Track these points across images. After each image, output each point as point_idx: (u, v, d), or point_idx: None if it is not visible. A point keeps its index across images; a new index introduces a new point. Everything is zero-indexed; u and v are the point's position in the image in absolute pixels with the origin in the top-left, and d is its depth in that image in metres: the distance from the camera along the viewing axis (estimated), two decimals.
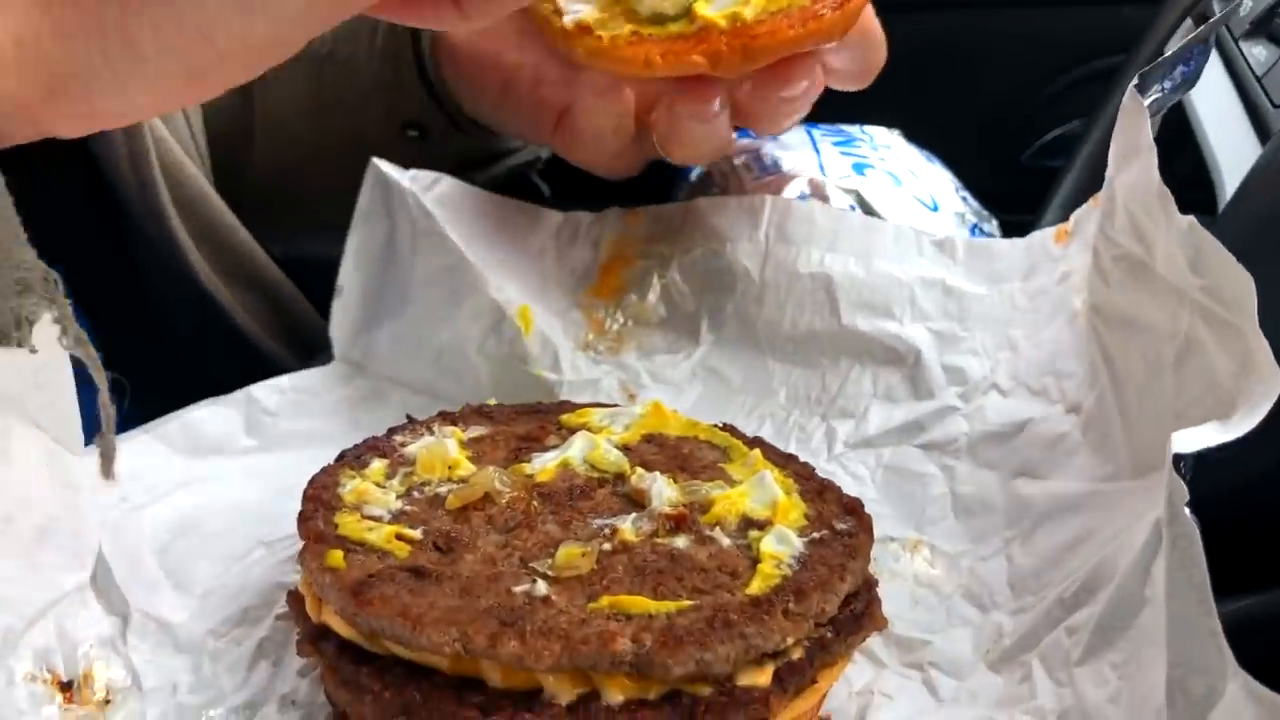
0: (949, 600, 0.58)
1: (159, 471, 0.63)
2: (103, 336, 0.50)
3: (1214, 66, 0.81)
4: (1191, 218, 0.51)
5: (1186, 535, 0.43)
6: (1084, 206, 0.67)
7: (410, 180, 0.74)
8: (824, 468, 0.63)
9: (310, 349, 0.79)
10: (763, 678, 0.45)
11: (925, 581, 0.59)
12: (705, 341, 0.74)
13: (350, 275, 0.76)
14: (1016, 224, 0.80)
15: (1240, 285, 0.47)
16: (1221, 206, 0.71)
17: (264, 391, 0.71)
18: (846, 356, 0.70)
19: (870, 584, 0.52)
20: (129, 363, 0.51)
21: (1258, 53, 0.79)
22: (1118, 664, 0.49)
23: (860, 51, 0.69)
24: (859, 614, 0.50)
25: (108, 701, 0.49)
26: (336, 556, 0.48)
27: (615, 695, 0.44)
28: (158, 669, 0.52)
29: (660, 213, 0.78)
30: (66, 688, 0.48)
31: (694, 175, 0.87)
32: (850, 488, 0.59)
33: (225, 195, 0.80)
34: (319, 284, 0.77)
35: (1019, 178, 1.10)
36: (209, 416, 0.67)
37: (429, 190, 0.75)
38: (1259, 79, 0.77)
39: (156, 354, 0.77)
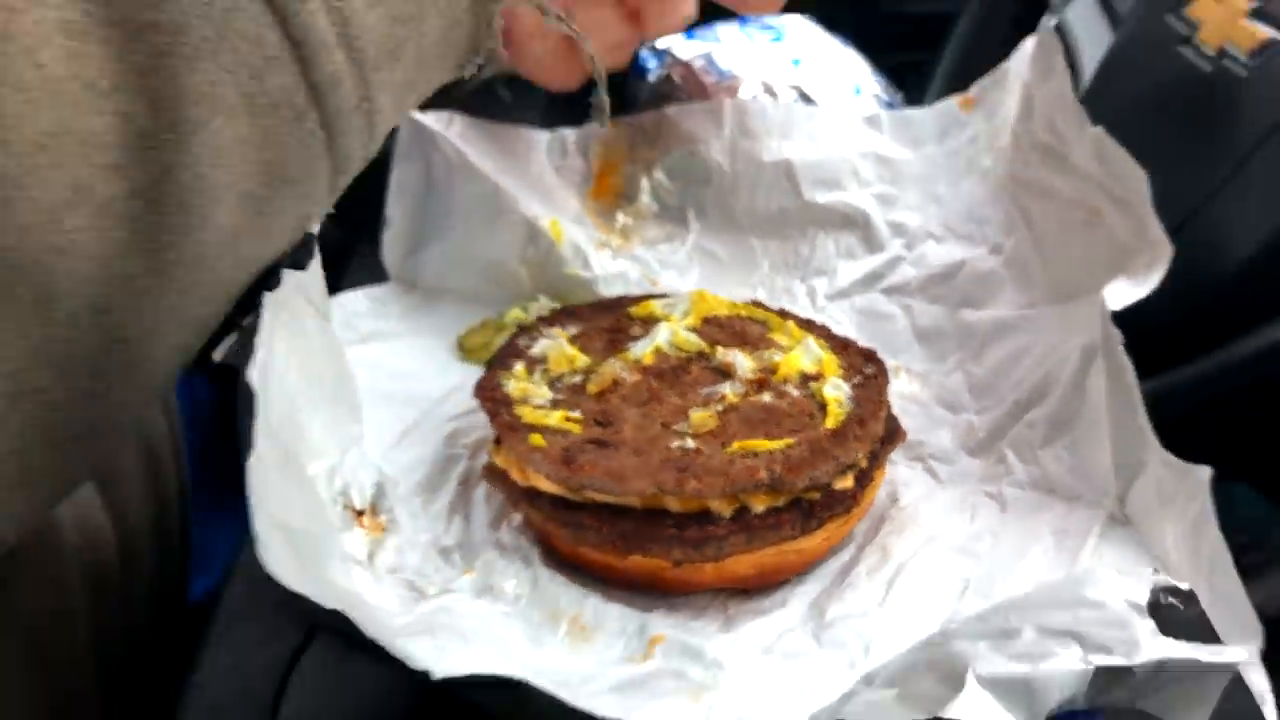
0: (929, 408, 0.65)
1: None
2: None
3: None
4: (1100, 128, 0.59)
5: (1118, 364, 0.51)
6: (984, 81, 0.73)
7: (434, 121, 0.82)
8: (812, 318, 0.69)
9: None
10: (848, 483, 0.55)
11: (909, 396, 0.67)
12: (694, 229, 0.80)
13: (395, 209, 0.82)
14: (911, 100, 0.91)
15: (1136, 175, 0.56)
16: (1081, 90, 0.79)
17: (346, 298, 0.79)
18: (812, 226, 0.77)
19: (889, 408, 0.59)
20: None
21: None
22: (1069, 446, 0.56)
23: None
24: (892, 431, 0.59)
25: (384, 529, 0.53)
26: (538, 439, 0.54)
27: (759, 506, 0.53)
28: (392, 511, 0.56)
29: (637, 122, 0.86)
30: (359, 515, 0.53)
31: (652, 76, 0.95)
32: (836, 331, 0.65)
33: None
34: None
35: (882, 26, 1.16)
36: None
37: (449, 127, 0.82)
38: None
39: None
